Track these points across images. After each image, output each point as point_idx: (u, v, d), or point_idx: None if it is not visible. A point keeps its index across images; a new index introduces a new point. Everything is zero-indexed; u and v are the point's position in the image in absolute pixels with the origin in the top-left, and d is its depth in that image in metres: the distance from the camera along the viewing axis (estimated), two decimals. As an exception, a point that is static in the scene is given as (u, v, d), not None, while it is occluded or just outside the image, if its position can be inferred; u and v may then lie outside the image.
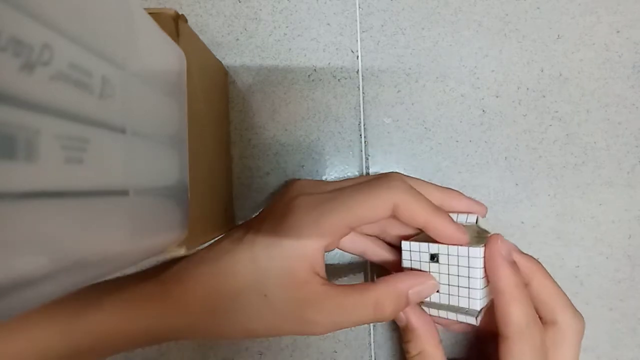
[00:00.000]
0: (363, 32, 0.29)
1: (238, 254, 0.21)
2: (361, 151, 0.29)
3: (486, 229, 0.24)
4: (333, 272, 0.30)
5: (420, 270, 0.23)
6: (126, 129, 0.13)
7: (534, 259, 0.23)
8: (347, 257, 0.30)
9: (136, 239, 0.14)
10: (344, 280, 0.30)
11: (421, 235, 0.24)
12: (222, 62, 0.29)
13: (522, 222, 0.29)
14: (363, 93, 0.29)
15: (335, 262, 0.30)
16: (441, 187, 0.25)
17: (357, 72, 0.29)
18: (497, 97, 0.29)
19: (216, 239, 0.24)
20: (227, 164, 0.29)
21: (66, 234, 0.10)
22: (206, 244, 0.24)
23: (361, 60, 0.29)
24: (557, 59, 0.29)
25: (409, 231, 0.25)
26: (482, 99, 0.29)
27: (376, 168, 0.29)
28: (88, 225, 0.11)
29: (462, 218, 0.24)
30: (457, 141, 0.29)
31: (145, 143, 0.15)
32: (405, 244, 0.23)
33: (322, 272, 0.22)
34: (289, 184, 0.26)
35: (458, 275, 0.22)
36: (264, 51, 0.29)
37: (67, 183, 0.10)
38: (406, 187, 0.22)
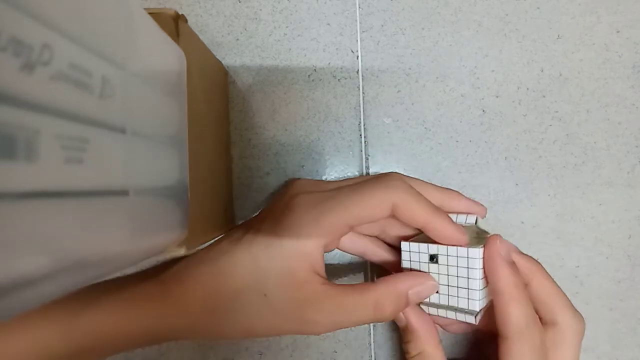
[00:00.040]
0: (363, 32, 0.29)
1: (238, 254, 0.21)
2: (361, 151, 0.29)
3: (486, 229, 0.24)
4: (333, 272, 0.30)
5: (420, 271, 0.23)
6: (126, 129, 0.13)
7: (534, 259, 0.23)
8: (347, 257, 0.30)
9: (136, 239, 0.14)
10: (344, 280, 0.30)
11: (421, 236, 0.24)
12: (222, 62, 0.29)
13: (522, 222, 0.29)
14: (363, 93, 0.29)
15: (335, 262, 0.30)
16: (441, 187, 0.25)
17: (357, 72, 0.29)
18: (497, 97, 0.29)
19: (216, 239, 0.24)
20: (227, 164, 0.29)
21: (66, 234, 0.10)
22: (206, 244, 0.24)
23: (361, 60, 0.29)
24: (557, 59, 0.29)
25: (408, 232, 0.25)
26: (482, 99, 0.29)
27: (376, 168, 0.29)
28: (88, 225, 0.11)
29: (461, 219, 0.24)
30: (457, 141, 0.29)
31: (145, 143, 0.15)
32: (404, 245, 0.23)
33: (322, 272, 0.22)
34: (289, 184, 0.26)
35: (457, 276, 0.22)
36: (264, 51, 0.29)
37: (67, 183, 0.10)
38: (406, 187, 0.22)
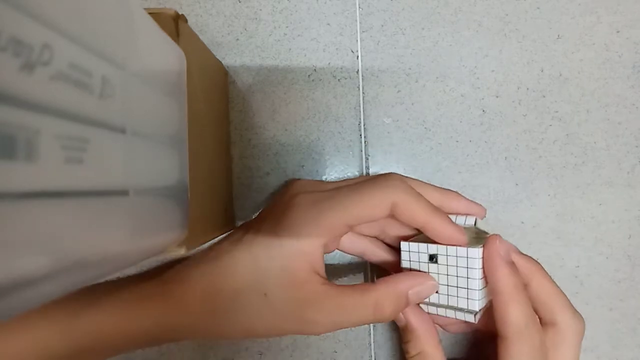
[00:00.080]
0: (363, 32, 0.29)
1: (238, 254, 0.21)
2: (361, 151, 0.29)
3: (485, 230, 0.24)
4: (333, 272, 0.30)
5: (420, 271, 0.23)
6: (126, 129, 0.13)
7: (533, 259, 0.23)
8: (347, 258, 0.30)
9: (136, 239, 0.14)
10: (344, 280, 0.30)
11: (420, 236, 0.24)
12: (222, 62, 0.29)
13: (522, 222, 0.29)
14: (363, 93, 0.29)
15: (335, 262, 0.30)
16: (440, 188, 0.25)
17: (357, 72, 0.29)
18: (497, 97, 0.29)
19: (217, 239, 0.24)
20: (227, 164, 0.29)
21: (66, 234, 0.10)
22: (206, 244, 0.24)
23: (361, 60, 0.29)
24: (557, 59, 0.29)
25: (408, 232, 0.25)
26: (482, 99, 0.29)
27: (376, 168, 0.29)
28: (88, 225, 0.11)
29: (460, 220, 0.24)
30: (457, 141, 0.29)
31: (145, 143, 0.15)
32: (404, 245, 0.23)
33: (322, 272, 0.22)
34: (288, 184, 0.26)
35: (457, 276, 0.22)
36: (264, 51, 0.29)
37: (67, 183, 0.10)
38: (405, 186, 0.22)
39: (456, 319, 0.22)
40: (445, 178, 0.29)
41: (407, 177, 0.24)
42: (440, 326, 0.25)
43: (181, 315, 0.21)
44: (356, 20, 0.29)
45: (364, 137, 0.29)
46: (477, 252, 0.21)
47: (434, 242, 0.22)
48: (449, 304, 0.22)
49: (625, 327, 0.29)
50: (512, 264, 0.21)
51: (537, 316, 0.22)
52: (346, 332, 0.30)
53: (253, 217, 0.29)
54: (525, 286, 0.22)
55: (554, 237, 0.29)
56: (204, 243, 0.23)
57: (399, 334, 0.28)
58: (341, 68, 0.29)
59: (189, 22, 0.23)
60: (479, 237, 0.23)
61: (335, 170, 0.29)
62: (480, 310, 0.22)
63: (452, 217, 0.24)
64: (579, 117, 0.29)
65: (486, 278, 0.22)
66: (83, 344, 0.20)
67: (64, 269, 0.10)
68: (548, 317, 0.22)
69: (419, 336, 0.23)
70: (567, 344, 0.22)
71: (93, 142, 0.11)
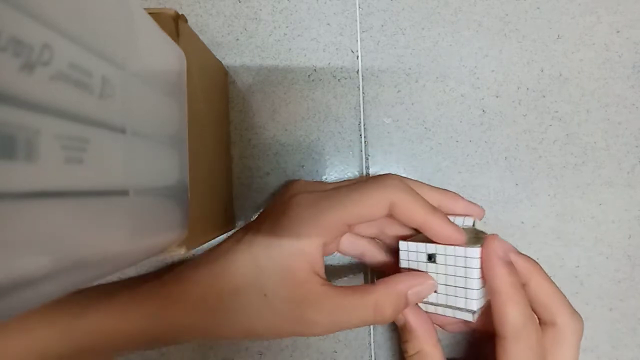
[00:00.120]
0: (363, 32, 0.29)
1: (238, 254, 0.21)
2: (361, 151, 0.29)
3: (483, 230, 0.24)
4: (333, 273, 0.30)
5: (418, 270, 0.23)
6: (126, 129, 0.13)
7: (532, 259, 0.23)
8: (346, 259, 0.30)
9: (136, 239, 0.14)
10: (344, 281, 0.30)
11: (419, 236, 0.24)
12: (222, 62, 0.29)
13: (522, 222, 0.29)
14: (363, 93, 0.29)
15: (335, 262, 0.30)
16: (439, 188, 0.25)
17: (357, 72, 0.29)
18: (497, 97, 0.29)
19: (217, 240, 0.24)
20: (227, 164, 0.29)
21: (66, 234, 0.10)
22: (206, 244, 0.24)
23: (361, 60, 0.29)
24: (557, 59, 0.29)
25: (407, 232, 0.25)
26: (482, 99, 0.29)
27: (376, 168, 0.29)
28: (88, 225, 0.11)
29: (459, 220, 0.24)
30: (457, 141, 0.29)
31: (145, 143, 0.15)
32: (402, 244, 0.23)
33: (322, 273, 0.22)
34: (288, 185, 0.26)
35: (455, 276, 0.22)
36: (264, 51, 0.29)
37: (67, 183, 0.10)
38: (404, 186, 0.22)
39: (454, 318, 0.22)
40: (445, 178, 0.29)
41: (406, 177, 0.24)
42: (439, 326, 0.25)
43: (181, 315, 0.21)
44: (356, 20, 0.29)
45: (364, 137, 0.29)
46: (475, 251, 0.21)
47: (432, 242, 0.22)
48: (448, 304, 0.22)
49: (625, 327, 0.29)
50: (510, 264, 0.21)
51: (535, 316, 0.22)
52: (346, 332, 0.30)
53: (253, 218, 0.29)
54: (523, 286, 0.22)
55: (554, 237, 0.29)
56: (204, 243, 0.23)
57: (399, 334, 0.28)
58: (341, 68, 0.29)
59: (189, 22, 0.23)
60: (477, 238, 0.23)
61: (335, 170, 0.29)
62: (478, 309, 0.22)
63: (451, 218, 0.24)
64: (579, 117, 0.29)
65: (484, 278, 0.22)
66: (83, 345, 0.20)
67: (64, 269, 0.10)
68: (547, 317, 0.22)
69: (418, 336, 0.23)
70: (566, 344, 0.22)
71: (93, 142, 0.11)
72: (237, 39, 0.29)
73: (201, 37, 0.26)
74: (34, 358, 0.20)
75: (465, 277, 0.22)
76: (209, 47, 0.28)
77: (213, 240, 0.26)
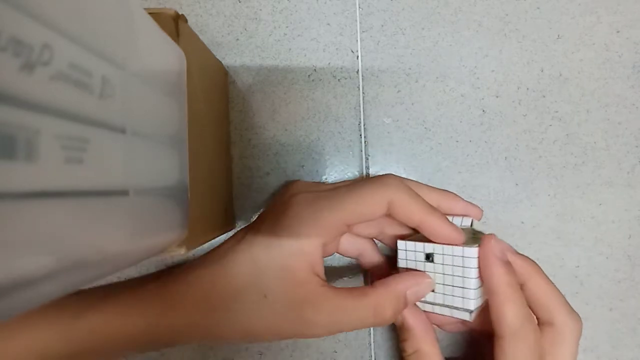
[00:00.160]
0: (363, 32, 0.29)
1: (238, 255, 0.21)
2: (361, 151, 0.29)
3: (481, 231, 0.24)
4: (332, 273, 0.30)
5: (416, 270, 0.23)
6: (126, 129, 0.13)
7: (530, 259, 0.23)
8: (346, 260, 0.30)
9: (136, 239, 0.14)
10: (343, 282, 0.30)
11: (417, 236, 0.24)
12: (222, 62, 0.29)
13: (522, 222, 0.29)
14: (363, 93, 0.29)
15: (335, 263, 0.30)
16: (438, 189, 0.25)
17: (357, 72, 0.29)
18: (497, 97, 0.29)
19: (217, 240, 0.24)
20: (227, 164, 0.29)
21: (66, 234, 0.10)
22: (206, 244, 0.24)
23: (361, 60, 0.29)
24: (557, 59, 0.29)
25: (406, 232, 0.25)
26: (482, 99, 0.29)
27: (376, 168, 0.29)
28: (88, 225, 0.11)
29: (457, 221, 0.24)
30: (457, 141, 0.29)
31: (145, 143, 0.15)
32: (401, 243, 0.24)
33: (321, 274, 0.22)
34: (287, 185, 0.26)
35: (453, 275, 0.22)
36: (264, 51, 0.29)
37: (67, 183, 0.10)
38: (402, 185, 0.22)
39: (452, 317, 0.22)
40: (445, 178, 0.29)
41: (405, 178, 0.24)
42: (437, 326, 0.25)
43: (181, 315, 0.21)
44: (356, 20, 0.29)
45: (364, 137, 0.29)
46: (473, 251, 0.21)
47: (431, 241, 0.22)
48: (445, 303, 0.22)
49: (625, 327, 0.29)
50: (507, 263, 0.21)
51: (533, 316, 0.22)
52: (346, 332, 0.30)
53: (253, 218, 0.29)
54: (521, 286, 0.22)
55: (554, 237, 0.29)
56: (204, 243, 0.23)
57: (397, 333, 0.28)
58: (341, 68, 0.29)
59: (189, 22, 0.23)
60: (475, 238, 0.23)
61: (335, 170, 0.29)
62: (475, 309, 0.22)
63: (449, 218, 0.24)
64: (579, 117, 0.29)
65: (482, 277, 0.22)
66: (83, 345, 0.20)
67: (64, 269, 0.10)
68: (545, 317, 0.22)
69: (416, 335, 0.23)
70: (564, 344, 0.22)
71: (93, 142, 0.11)
72: (237, 39, 0.29)
73: (201, 37, 0.26)
74: (34, 358, 0.20)
75: (463, 277, 0.22)
76: (209, 47, 0.28)
77: (213, 241, 0.26)
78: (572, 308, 0.22)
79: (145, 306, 0.21)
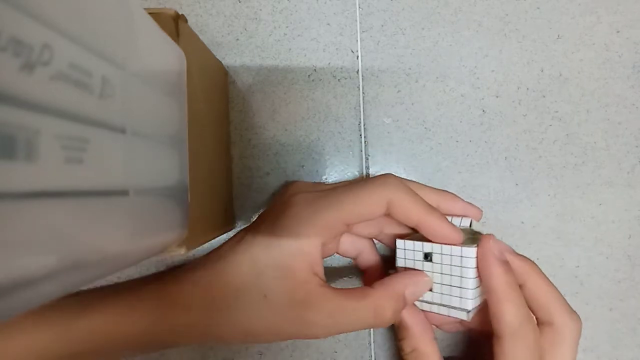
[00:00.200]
0: (363, 32, 0.29)
1: (238, 255, 0.21)
2: (361, 151, 0.29)
3: (480, 231, 0.24)
4: (332, 274, 0.30)
5: (414, 269, 0.23)
6: (126, 129, 0.13)
7: (529, 259, 0.23)
8: (345, 260, 0.30)
9: (136, 239, 0.14)
10: (343, 281, 0.30)
11: (416, 235, 0.24)
12: (222, 62, 0.29)
13: (522, 222, 0.29)
14: (363, 93, 0.29)
15: (335, 264, 0.30)
16: (437, 189, 0.25)
17: (357, 72, 0.29)
18: (497, 97, 0.29)
19: (217, 240, 0.24)
20: (227, 164, 0.29)
21: (66, 234, 0.10)
22: (206, 244, 0.24)
23: (361, 60, 0.29)
24: (557, 59, 0.29)
25: (406, 232, 0.25)
26: (482, 99, 0.29)
27: (376, 168, 0.29)
28: (88, 225, 0.11)
29: (456, 221, 0.24)
30: (457, 141, 0.29)
31: (145, 143, 0.15)
32: (399, 242, 0.24)
33: (321, 274, 0.22)
34: (287, 185, 0.26)
35: (451, 275, 0.22)
36: (264, 51, 0.29)
37: (67, 183, 0.10)
38: (401, 185, 0.22)
39: (449, 316, 0.22)
40: (445, 178, 0.29)
41: (404, 179, 0.24)
42: (436, 326, 0.25)
43: (181, 315, 0.21)
44: (356, 20, 0.29)
45: (364, 137, 0.29)
46: (471, 251, 0.21)
47: (430, 241, 0.22)
48: (442, 302, 0.22)
49: (625, 327, 0.29)
50: (506, 263, 0.21)
51: (533, 316, 0.22)
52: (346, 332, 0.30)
53: (253, 219, 0.29)
54: (521, 286, 0.22)
55: (554, 237, 0.29)
56: (204, 243, 0.23)
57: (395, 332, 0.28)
58: (341, 68, 0.29)
59: (189, 22, 0.23)
60: (474, 239, 0.23)
61: (335, 170, 0.29)
62: (473, 309, 0.22)
63: (449, 219, 0.24)
64: (579, 117, 0.29)
65: (480, 277, 0.22)
66: (83, 346, 0.20)
67: (64, 269, 0.10)
68: (545, 317, 0.22)
69: (414, 334, 0.23)
70: (564, 344, 0.22)
71: (93, 142, 0.11)
72: (237, 39, 0.29)
73: (201, 37, 0.26)
74: (34, 358, 0.20)
75: (461, 277, 0.22)
76: (209, 47, 0.28)
77: (213, 241, 0.26)
78: (571, 308, 0.22)
79: (145, 307, 0.21)
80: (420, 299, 0.23)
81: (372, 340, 0.30)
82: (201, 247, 0.26)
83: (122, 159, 0.13)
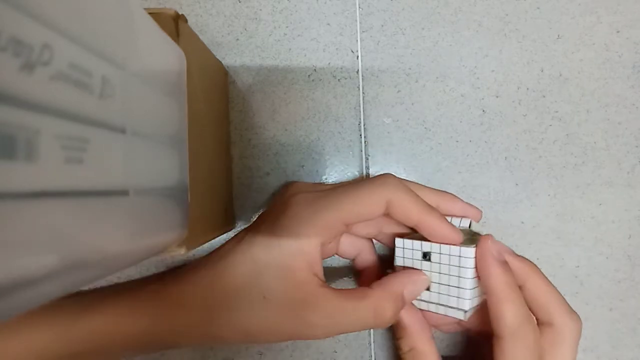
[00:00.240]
0: (363, 32, 0.29)
1: (238, 255, 0.21)
2: (361, 151, 0.29)
3: (479, 232, 0.24)
4: (332, 274, 0.30)
5: (412, 268, 0.23)
6: (126, 129, 0.13)
7: (528, 260, 0.23)
8: (345, 260, 0.30)
9: (136, 239, 0.14)
10: (343, 282, 0.30)
11: (415, 235, 0.24)
12: (222, 62, 0.29)
13: (522, 222, 0.29)
14: (363, 93, 0.29)
15: (335, 264, 0.30)
16: (436, 190, 0.25)
17: (357, 72, 0.29)
18: (497, 97, 0.29)
19: (217, 240, 0.24)
20: (227, 164, 0.29)
21: (66, 234, 0.10)
22: (206, 245, 0.24)
23: (361, 60, 0.29)
24: (557, 59, 0.29)
25: (405, 232, 0.25)
26: (482, 99, 0.29)
27: (376, 168, 0.29)
28: (88, 225, 0.11)
29: (455, 222, 0.24)
30: (457, 141, 0.29)
31: (145, 143, 0.15)
32: (398, 241, 0.24)
33: (321, 274, 0.22)
34: (287, 185, 0.26)
35: (449, 275, 0.22)
36: (264, 51, 0.29)
37: (67, 183, 0.10)
38: (401, 185, 0.22)
39: (446, 316, 0.22)
40: (445, 178, 0.29)
41: (404, 179, 0.24)
42: (434, 326, 0.25)
43: (181, 316, 0.21)
44: (356, 20, 0.29)
45: (364, 137, 0.29)
46: (470, 251, 0.21)
47: (429, 240, 0.22)
48: (440, 302, 0.22)
49: (625, 327, 0.29)
50: (504, 263, 0.21)
51: (532, 316, 0.22)
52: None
53: (253, 219, 0.29)
54: (520, 287, 0.22)
55: (554, 237, 0.29)
56: (204, 243, 0.23)
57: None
58: (341, 68, 0.29)
59: (189, 22, 0.23)
60: (473, 239, 0.24)
61: (335, 170, 0.29)
62: (470, 309, 0.22)
63: (448, 219, 0.24)
64: (579, 117, 0.29)
65: (479, 278, 0.22)
66: (83, 346, 0.20)
67: (64, 269, 0.10)
68: (544, 318, 0.22)
69: (411, 332, 0.23)
70: (564, 344, 0.22)
71: (93, 142, 0.11)
72: (237, 39, 0.29)
73: (201, 37, 0.26)
74: (34, 358, 0.20)
75: (459, 277, 0.22)
76: (209, 47, 0.28)
77: (213, 241, 0.26)
78: (571, 308, 0.22)
79: (145, 307, 0.21)
80: (418, 298, 0.23)
81: (372, 340, 0.30)
82: (201, 247, 0.26)
83: (122, 159, 0.13)
